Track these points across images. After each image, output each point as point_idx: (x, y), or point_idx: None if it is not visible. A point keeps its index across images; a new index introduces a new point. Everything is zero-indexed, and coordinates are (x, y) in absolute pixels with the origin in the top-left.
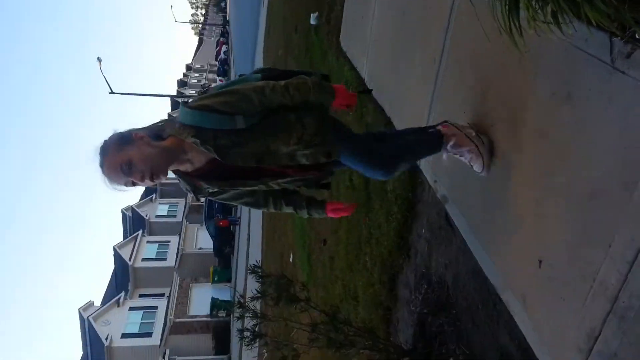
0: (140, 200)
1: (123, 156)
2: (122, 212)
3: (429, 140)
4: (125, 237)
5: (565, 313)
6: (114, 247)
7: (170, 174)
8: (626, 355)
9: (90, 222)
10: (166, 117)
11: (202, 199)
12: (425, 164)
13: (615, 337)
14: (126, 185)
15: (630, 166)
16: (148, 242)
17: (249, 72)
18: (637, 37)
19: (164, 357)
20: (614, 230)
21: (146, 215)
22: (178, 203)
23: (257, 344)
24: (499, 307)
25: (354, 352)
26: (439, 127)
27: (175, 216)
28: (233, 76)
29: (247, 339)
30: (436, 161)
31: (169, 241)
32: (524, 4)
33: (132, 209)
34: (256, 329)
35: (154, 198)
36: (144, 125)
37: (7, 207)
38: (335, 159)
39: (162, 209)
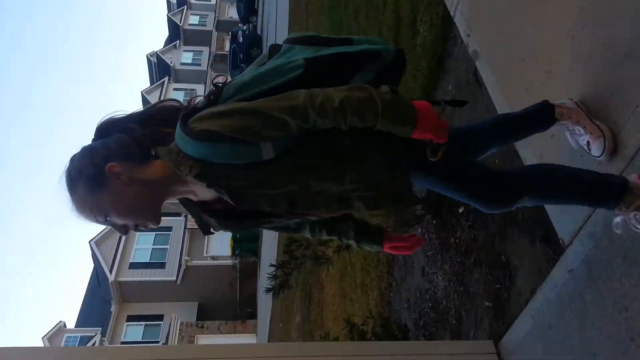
0: (164, 46)
1: (95, 208)
2: (147, 57)
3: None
4: (152, 83)
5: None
6: (141, 92)
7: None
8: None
9: (119, 68)
10: (161, 101)
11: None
12: (459, 16)
13: None
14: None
15: None
16: (175, 89)
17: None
18: None
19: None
20: None
21: (171, 62)
22: (202, 51)
23: None
24: (515, 162)
25: None
26: (630, 179)
27: (199, 64)
28: None
29: None
30: (472, 13)
31: (194, 89)
32: None
33: (156, 55)
34: None
35: (177, 45)
36: (128, 114)
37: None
38: (408, 206)
39: (187, 56)
